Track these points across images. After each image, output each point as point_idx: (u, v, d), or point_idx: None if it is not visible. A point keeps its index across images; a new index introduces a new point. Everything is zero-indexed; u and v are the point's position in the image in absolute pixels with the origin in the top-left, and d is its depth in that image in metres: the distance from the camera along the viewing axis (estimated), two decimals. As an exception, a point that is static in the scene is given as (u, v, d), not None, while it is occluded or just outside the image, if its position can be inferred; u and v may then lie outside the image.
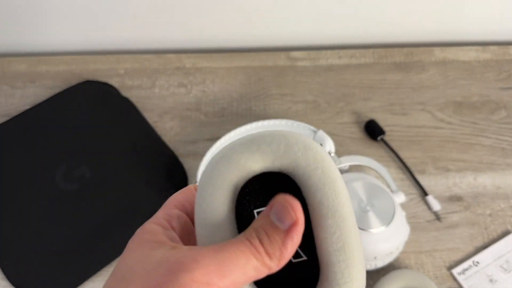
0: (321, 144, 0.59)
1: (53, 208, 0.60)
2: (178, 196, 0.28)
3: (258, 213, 0.25)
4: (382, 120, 0.68)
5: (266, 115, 0.69)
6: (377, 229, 0.53)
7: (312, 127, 0.61)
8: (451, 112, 0.69)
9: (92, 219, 0.59)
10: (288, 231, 0.22)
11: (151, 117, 0.69)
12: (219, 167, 0.24)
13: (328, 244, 0.23)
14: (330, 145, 0.59)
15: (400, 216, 0.55)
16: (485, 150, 0.66)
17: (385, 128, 0.67)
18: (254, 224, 0.23)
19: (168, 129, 0.68)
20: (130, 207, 0.60)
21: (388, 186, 0.58)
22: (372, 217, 0.53)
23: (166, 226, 0.26)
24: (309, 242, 0.24)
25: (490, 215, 0.60)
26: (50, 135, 0.66)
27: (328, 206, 0.23)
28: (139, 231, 0.26)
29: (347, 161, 0.59)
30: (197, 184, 0.26)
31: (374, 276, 0.57)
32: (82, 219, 0.59)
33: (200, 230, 0.24)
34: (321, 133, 0.60)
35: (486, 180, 0.63)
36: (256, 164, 0.24)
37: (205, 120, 0.69)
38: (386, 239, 0.53)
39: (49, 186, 0.61)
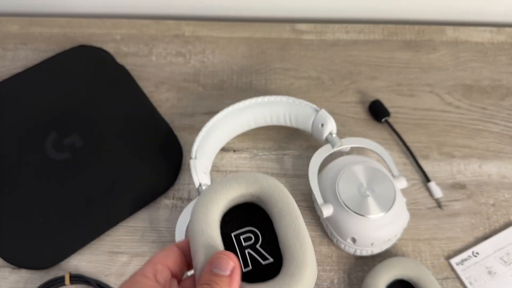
0: (322, 124, 0.57)
1: (41, 177, 0.58)
2: (160, 254, 0.33)
3: (235, 235, 0.35)
4: (388, 101, 0.65)
5: (267, 90, 0.66)
6: (375, 215, 0.51)
7: (314, 106, 0.58)
8: (460, 95, 0.66)
9: (81, 190, 0.57)
10: (231, 275, 0.30)
11: (147, 87, 0.66)
12: (208, 203, 0.34)
13: (288, 234, 0.33)
14: (332, 125, 0.56)
15: (401, 203, 0.53)
16: (492, 137, 0.63)
17: (390, 110, 0.64)
18: (202, 280, 0.30)
19: (164, 100, 0.65)
20: (121, 178, 0.58)
21: (390, 171, 0.56)
22: (371, 202, 0.51)
23: (153, 280, 0.31)
24: (273, 249, 0.34)
25: (493, 205, 0.58)
26: (41, 101, 0.63)
27: (286, 211, 0.34)
28: (128, 281, 0.31)
29: (349, 143, 0.57)
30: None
31: (369, 262, 0.55)
32: (71, 190, 0.57)
33: (198, 248, 0.32)
34: (323, 112, 0.57)
35: (491, 169, 0.61)
36: (235, 192, 0.35)
37: (203, 93, 0.66)
38: (384, 225, 0.51)
39: (38, 154, 0.59)
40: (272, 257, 0.34)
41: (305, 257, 0.32)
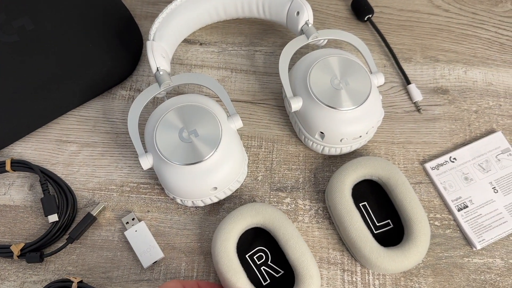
0: (298, 13, 0.51)
1: (-16, 57, 0.52)
2: None
3: (249, 256, 0.46)
4: (372, 0, 0.60)
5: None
6: (347, 108, 0.46)
7: (289, -8, 0.52)
8: (450, -1, 0.61)
9: (29, 74, 0.52)
10: None
11: (107, -30, 0.59)
12: (225, 241, 0.44)
13: (295, 253, 0.43)
14: (308, 13, 0.51)
15: (375, 99, 0.49)
16: (481, 43, 0.58)
17: (375, 9, 0.59)
18: None
19: (126, -15, 0.59)
20: (74, 65, 0.52)
21: (368, 66, 0.51)
22: (344, 95, 0.47)
23: None
24: (282, 262, 0.45)
25: (476, 111, 0.54)
26: (-13, -22, 0.56)
27: (289, 234, 0.44)
28: None
29: (325, 35, 0.52)
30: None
31: (338, 162, 0.51)
32: (18, 74, 0.52)
33: (222, 261, 0.43)
34: (299, -1, 0.51)
35: (477, 75, 0.56)
36: (244, 225, 0.45)
37: (170, -20, 0.60)
38: (355, 120, 0.47)
39: (-17, 35, 0.53)
40: (282, 269, 0.45)
41: (313, 269, 0.43)
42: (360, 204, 0.48)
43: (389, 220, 0.48)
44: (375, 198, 0.48)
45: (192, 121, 0.45)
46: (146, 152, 0.45)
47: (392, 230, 0.47)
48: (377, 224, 0.47)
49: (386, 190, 0.48)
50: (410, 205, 0.45)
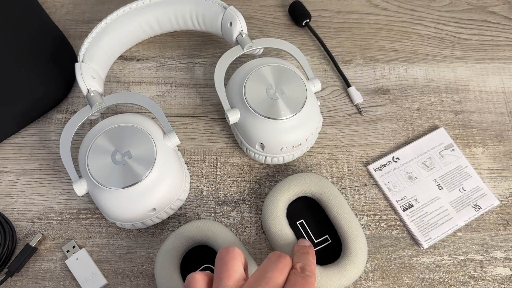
0: (231, 23, 0.50)
1: None
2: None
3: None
4: (310, 4, 0.59)
5: (176, -7, 0.59)
6: (284, 117, 0.46)
7: (222, 3, 0.52)
8: (388, -3, 0.61)
9: (-41, 105, 0.50)
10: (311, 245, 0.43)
11: (37, -9, 0.58)
12: (169, 250, 0.44)
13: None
14: (241, 23, 0.50)
15: (313, 105, 0.48)
16: (421, 39, 0.59)
17: (313, 13, 0.59)
18: (296, 250, 0.42)
19: (58, 6, 0.58)
20: (6, 93, 0.51)
21: (305, 73, 0.51)
22: (280, 104, 0.46)
23: None
24: None
25: (418, 109, 0.54)
26: None
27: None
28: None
29: (260, 44, 0.51)
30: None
31: (282, 171, 0.51)
32: None
33: (164, 283, 0.42)
34: (231, 9, 0.51)
35: (418, 72, 0.56)
36: (188, 241, 0.44)
37: (103, -3, 0.59)
38: (293, 128, 0.47)
39: None
40: None
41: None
42: (297, 222, 0.47)
43: (327, 236, 0.47)
44: (312, 214, 0.47)
45: (124, 143, 0.44)
46: (80, 177, 0.44)
47: (331, 245, 0.46)
48: (316, 241, 0.46)
49: (321, 205, 0.47)
50: (344, 220, 0.45)
